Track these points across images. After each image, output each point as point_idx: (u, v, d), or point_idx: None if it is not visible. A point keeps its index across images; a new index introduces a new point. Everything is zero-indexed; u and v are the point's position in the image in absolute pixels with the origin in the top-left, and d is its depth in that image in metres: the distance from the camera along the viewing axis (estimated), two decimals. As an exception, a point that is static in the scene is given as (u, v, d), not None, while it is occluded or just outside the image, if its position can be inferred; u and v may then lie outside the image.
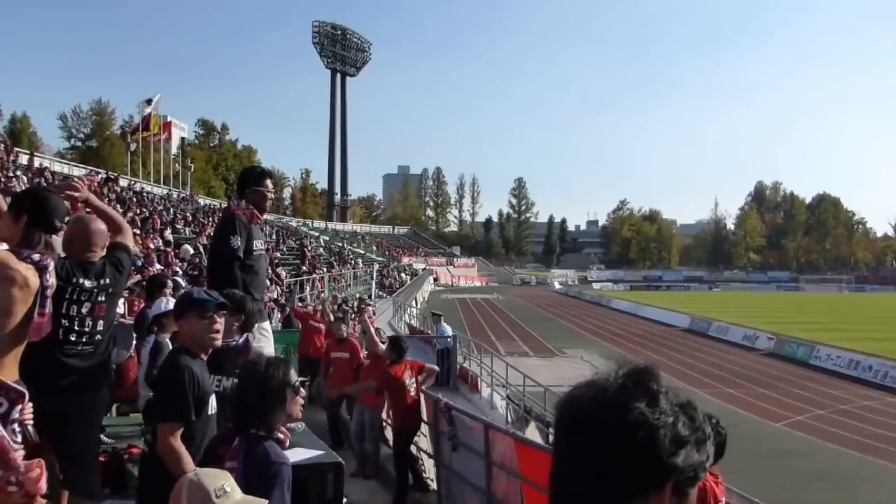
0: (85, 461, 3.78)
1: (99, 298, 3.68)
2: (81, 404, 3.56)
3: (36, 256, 2.70)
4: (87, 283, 3.66)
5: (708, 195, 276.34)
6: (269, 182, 5.04)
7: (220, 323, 3.50)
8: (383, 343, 8.72)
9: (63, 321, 3.55)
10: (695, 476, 0.95)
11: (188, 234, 24.70)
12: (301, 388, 2.92)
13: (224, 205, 51.02)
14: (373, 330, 8.45)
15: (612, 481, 0.92)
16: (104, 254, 3.85)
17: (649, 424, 0.92)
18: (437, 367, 9.39)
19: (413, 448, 8.06)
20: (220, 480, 2.03)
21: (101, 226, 3.96)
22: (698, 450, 0.95)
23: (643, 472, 0.92)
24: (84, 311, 3.65)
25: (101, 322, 3.72)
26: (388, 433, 8.70)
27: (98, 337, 3.72)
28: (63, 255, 3.70)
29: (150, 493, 3.37)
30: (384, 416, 8.60)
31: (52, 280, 2.72)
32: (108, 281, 3.71)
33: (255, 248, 4.89)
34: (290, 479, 2.70)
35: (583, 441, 0.95)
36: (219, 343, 3.54)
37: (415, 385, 7.78)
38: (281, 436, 2.80)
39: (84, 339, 3.67)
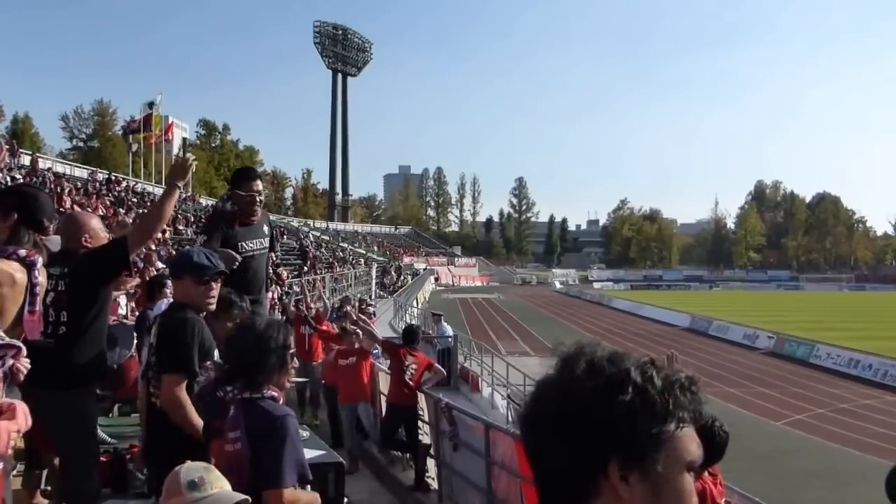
0: (66, 464, 3.75)
1: (60, 287, 3.63)
2: (43, 402, 3.32)
3: (22, 252, 2.66)
4: (53, 270, 3.60)
5: (708, 194, 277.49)
6: (253, 184, 4.97)
7: (216, 289, 3.48)
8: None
9: None
10: (638, 440, 0.90)
11: (189, 235, 24.72)
12: (294, 358, 2.88)
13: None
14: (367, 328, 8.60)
15: (565, 470, 0.93)
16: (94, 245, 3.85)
17: (564, 415, 0.93)
18: (444, 372, 9.51)
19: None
20: (198, 473, 2.01)
21: (87, 220, 3.99)
22: (641, 411, 0.91)
23: (581, 454, 0.91)
24: (48, 300, 3.56)
25: (64, 314, 3.63)
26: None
27: (61, 331, 3.61)
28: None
29: (158, 447, 3.37)
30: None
31: (41, 278, 2.68)
32: (66, 270, 3.66)
33: (242, 250, 4.86)
34: (297, 428, 2.66)
35: (530, 443, 0.99)
36: (213, 308, 3.50)
37: (414, 371, 7.99)
38: (274, 393, 2.70)
39: (48, 331, 3.50)
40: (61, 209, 15.99)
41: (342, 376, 8.77)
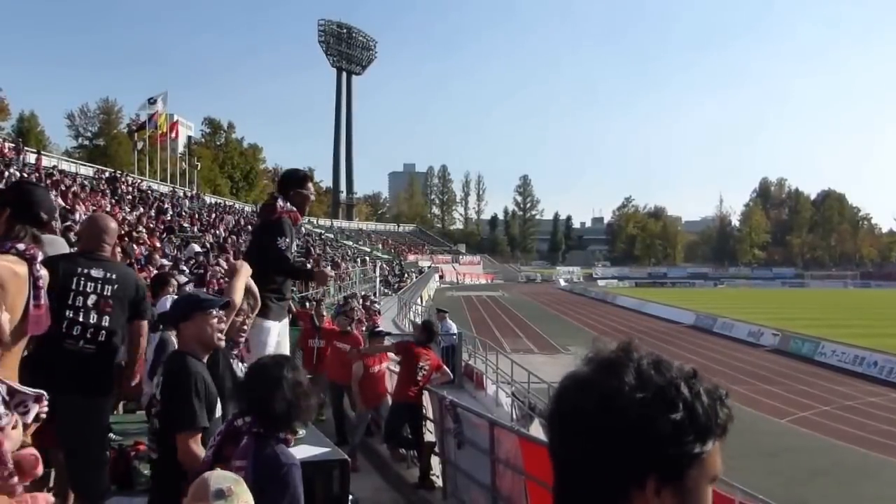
0: (84, 464, 3.76)
1: (105, 292, 3.65)
2: (73, 407, 3.41)
3: (21, 246, 2.65)
4: (94, 273, 3.67)
5: (713, 192, 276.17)
6: (311, 185, 5.14)
7: (225, 322, 3.45)
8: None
9: (67, 312, 3.52)
10: (681, 458, 0.88)
11: (195, 233, 24.78)
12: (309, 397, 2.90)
13: (230, 203, 51.29)
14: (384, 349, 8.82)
15: (598, 479, 0.90)
16: (118, 255, 3.91)
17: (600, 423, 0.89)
18: (451, 375, 9.58)
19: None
20: (227, 483, 2.00)
21: (111, 223, 4.01)
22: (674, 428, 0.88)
23: (620, 467, 0.89)
24: (90, 302, 3.61)
25: (106, 319, 3.65)
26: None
27: (101, 337, 3.65)
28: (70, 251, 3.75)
29: (165, 497, 3.37)
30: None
31: (43, 272, 2.66)
32: (114, 276, 3.70)
33: (291, 252, 5.04)
34: (300, 479, 2.68)
35: (558, 444, 0.96)
36: (223, 343, 3.46)
37: (425, 372, 8.02)
38: (288, 437, 2.78)
39: (88, 336, 3.62)
40: (66, 207, 16.04)
41: (371, 382, 8.81)
